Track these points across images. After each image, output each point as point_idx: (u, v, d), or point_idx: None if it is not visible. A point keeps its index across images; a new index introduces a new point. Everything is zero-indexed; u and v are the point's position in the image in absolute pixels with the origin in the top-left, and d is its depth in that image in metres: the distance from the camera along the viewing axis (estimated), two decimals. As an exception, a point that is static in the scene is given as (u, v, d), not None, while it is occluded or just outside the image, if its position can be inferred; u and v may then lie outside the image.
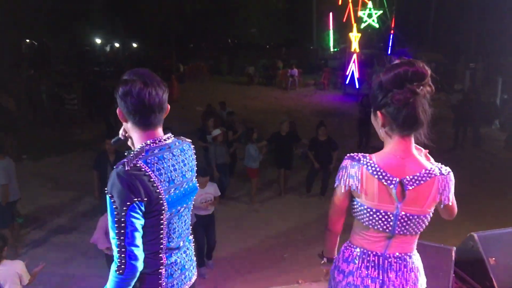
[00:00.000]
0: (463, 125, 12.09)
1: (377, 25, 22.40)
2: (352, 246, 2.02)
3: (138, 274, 1.75)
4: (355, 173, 1.85)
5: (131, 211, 1.68)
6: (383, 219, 1.85)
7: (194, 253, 2.09)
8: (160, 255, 1.83)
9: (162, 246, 1.82)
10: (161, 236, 1.80)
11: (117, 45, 35.54)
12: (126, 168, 1.68)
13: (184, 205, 1.93)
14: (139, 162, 1.71)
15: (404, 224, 1.86)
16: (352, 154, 1.91)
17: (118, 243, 1.70)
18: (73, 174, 9.49)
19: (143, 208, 1.71)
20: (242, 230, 7.27)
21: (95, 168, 6.65)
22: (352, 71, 20.10)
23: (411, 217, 1.84)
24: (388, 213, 1.84)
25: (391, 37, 22.32)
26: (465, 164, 10.31)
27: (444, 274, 3.26)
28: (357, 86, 19.11)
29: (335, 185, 1.95)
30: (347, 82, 20.43)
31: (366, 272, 1.94)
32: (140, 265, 1.74)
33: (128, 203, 1.67)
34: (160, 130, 1.87)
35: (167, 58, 26.96)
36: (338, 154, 8.20)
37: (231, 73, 27.08)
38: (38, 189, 8.54)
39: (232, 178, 9.25)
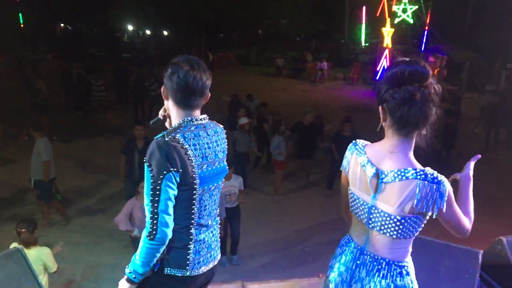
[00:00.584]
0: (495, 127, 11.74)
1: (411, 21, 21.85)
2: (347, 234, 2.06)
3: (167, 241, 1.86)
4: (348, 156, 1.94)
5: (167, 180, 1.81)
6: (361, 207, 1.86)
7: (219, 234, 2.20)
8: (191, 230, 1.95)
9: (193, 221, 1.94)
10: (193, 211, 1.93)
11: (148, 32, 35.91)
12: (166, 139, 1.83)
13: (215, 184, 2.03)
14: (178, 135, 1.86)
15: (376, 219, 1.80)
16: (357, 139, 1.97)
17: (151, 209, 1.83)
18: (100, 157, 9.68)
19: (178, 179, 1.83)
20: (264, 221, 7.28)
21: (123, 152, 6.75)
22: (383, 67, 19.74)
23: (382, 213, 1.77)
24: (365, 203, 1.84)
25: (425, 34, 21.74)
26: (496, 167, 10.01)
27: (470, 277, 3.19)
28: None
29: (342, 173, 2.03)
30: (377, 77, 20.08)
31: (345, 259, 1.96)
32: (170, 232, 1.86)
33: (165, 172, 1.80)
34: (197, 113, 2.01)
35: (196, 46, 27.11)
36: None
37: (259, 64, 27.00)
38: (67, 170, 8.74)
39: (257, 167, 9.29)
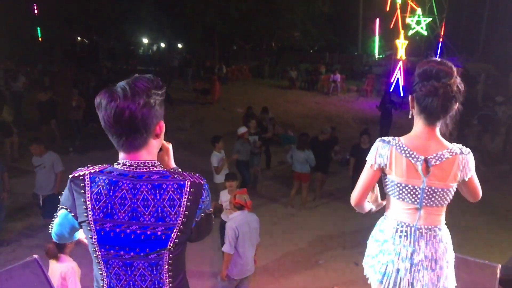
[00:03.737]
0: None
1: (425, 33, 21.81)
2: (387, 219, 2.31)
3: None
4: (385, 153, 2.14)
5: (60, 215, 1.66)
6: (411, 192, 2.13)
7: None
8: None
9: (102, 284, 1.62)
10: (101, 272, 1.61)
11: (163, 45, 36.37)
12: (71, 175, 1.60)
13: (133, 254, 1.55)
14: (87, 176, 1.56)
15: (430, 196, 2.12)
16: (382, 137, 2.20)
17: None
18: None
19: (73, 221, 1.61)
20: (277, 233, 7.25)
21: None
22: (397, 79, 19.65)
23: (436, 190, 2.11)
24: (416, 187, 2.12)
25: (439, 46, 21.67)
26: (513, 180, 9.85)
27: (488, 292, 3.12)
28: (401, 94, 18.68)
29: (368, 164, 2.21)
30: (391, 89, 20.00)
31: (399, 240, 2.21)
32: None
33: (59, 206, 1.65)
34: (143, 153, 1.57)
35: (210, 58, 27.33)
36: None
37: (273, 76, 27.11)
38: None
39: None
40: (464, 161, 2.09)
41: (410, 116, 2.17)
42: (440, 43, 21.76)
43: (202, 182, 1.62)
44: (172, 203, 1.54)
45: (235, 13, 24.29)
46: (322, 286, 4.71)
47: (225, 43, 30.25)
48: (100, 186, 1.52)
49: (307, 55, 31.22)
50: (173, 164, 1.78)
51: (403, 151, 2.11)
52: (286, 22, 26.76)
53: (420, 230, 2.18)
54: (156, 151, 1.64)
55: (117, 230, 1.53)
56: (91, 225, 1.53)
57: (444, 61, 2.06)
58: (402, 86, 18.99)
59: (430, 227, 2.19)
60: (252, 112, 12.07)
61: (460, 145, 2.13)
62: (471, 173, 2.12)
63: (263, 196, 8.72)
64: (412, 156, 2.09)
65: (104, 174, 1.55)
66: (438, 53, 21.62)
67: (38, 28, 29.62)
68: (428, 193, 2.12)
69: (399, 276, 2.20)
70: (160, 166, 1.60)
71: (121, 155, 1.58)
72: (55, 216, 1.70)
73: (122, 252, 1.55)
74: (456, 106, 2.08)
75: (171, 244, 1.56)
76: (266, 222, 7.44)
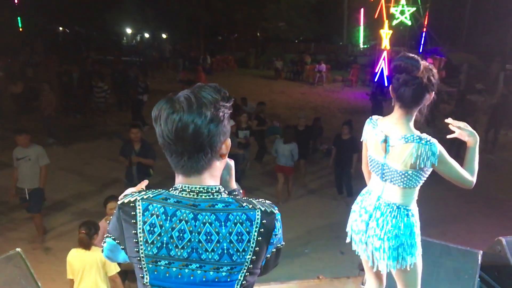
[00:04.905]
0: (494, 128, 11.75)
1: (409, 23, 21.87)
2: (367, 186, 2.64)
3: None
4: (366, 129, 2.49)
5: (108, 243, 1.45)
6: (376, 166, 2.45)
7: None
8: None
9: None
10: None
11: (147, 35, 35.96)
12: (120, 202, 1.36)
13: None
14: (139, 202, 1.31)
15: (389, 174, 2.37)
16: (371, 116, 2.52)
17: None
18: (98, 160, 9.69)
19: (121, 254, 1.40)
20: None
21: (122, 155, 6.77)
22: (382, 69, 19.78)
23: (393, 170, 2.34)
24: (379, 162, 2.41)
25: (423, 36, 21.81)
26: (494, 168, 10.03)
27: (469, 278, 3.19)
28: (386, 84, 18.82)
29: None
30: (376, 79, 20.13)
31: (365, 204, 2.53)
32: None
33: (106, 235, 1.44)
34: (206, 177, 1.33)
35: (195, 49, 27.14)
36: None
37: (258, 66, 27.04)
38: (65, 173, 8.75)
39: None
40: (420, 150, 2.21)
41: (393, 104, 2.38)
42: (423, 33, 21.90)
43: (275, 212, 1.39)
44: (240, 237, 1.28)
45: (220, 4, 24.11)
46: (308, 275, 4.75)
47: (210, 34, 30.04)
48: (155, 216, 1.28)
49: (292, 45, 31.21)
50: (234, 185, 1.55)
51: (374, 129, 2.42)
52: (271, 12, 26.66)
53: (381, 201, 2.44)
54: (219, 174, 1.40)
55: (174, 269, 1.28)
56: (142, 263, 1.29)
57: (412, 56, 2.26)
58: (387, 76, 19.11)
59: (389, 202, 2.41)
60: (236, 104, 12.00)
61: (425, 135, 2.27)
62: (431, 162, 2.22)
63: (249, 187, 8.72)
64: (379, 134, 2.37)
65: (159, 201, 1.30)
66: (422, 43, 21.78)
67: (19, 18, 28.99)
68: (387, 170, 2.37)
69: (358, 236, 2.56)
70: (225, 193, 1.36)
71: (179, 179, 1.34)
72: (104, 241, 1.48)
73: None
74: (430, 95, 2.30)
75: (238, 287, 1.31)
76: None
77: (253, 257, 1.30)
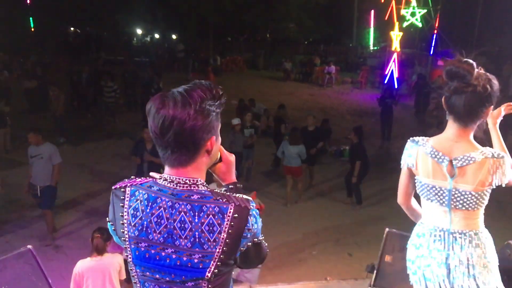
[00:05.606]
0: (504, 130, 11.64)
1: (420, 24, 21.72)
2: (422, 223, 2.26)
3: None
4: (412, 153, 2.16)
5: (109, 226, 1.52)
6: (438, 194, 2.11)
7: None
8: None
9: None
10: None
11: (157, 36, 36.12)
12: (114, 186, 1.48)
13: (168, 279, 1.39)
14: (128, 188, 1.43)
15: (458, 199, 2.08)
16: (413, 137, 2.19)
17: None
18: (108, 160, 9.77)
19: (114, 233, 1.50)
20: (271, 224, 7.27)
21: (132, 154, 6.86)
22: (392, 71, 19.66)
23: (464, 192, 2.06)
24: (442, 189, 2.09)
25: (434, 37, 21.64)
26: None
27: (479, 282, 3.17)
28: (396, 86, 18.72)
29: (401, 165, 2.23)
30: (385, 81, 20.03)
31: (434, 245, 2.16)
32: None
33: (107, 219, 1.52)
34: (190, 170, 1.40)
35: (204, 50, 27.21)
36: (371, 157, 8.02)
37: (267, 68, 27.04)
38: (75, 173, 8.83)
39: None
40: (496, 166, 2.02)
41: (446, 118, 2.15)
42: (434, 35, 21.73)
43: (250, 207, 1.41)
44: (211, 228, 1.35)
45: (229, 5, 24.16)
46: (316, 277, 4.75)
47: (220, 35, 30.07)
48: (139, 201, 1.39)
49: (301, 47, 31.15)
50: (233, 179, 1.62)
51: (429, 152, 2.10)
52: (281, 14, 26.62)
53: (454, 235, 2.13)
54: (205, 169, 1.47)
55: (152, 251, 1.38)
56: (127, 243, 1.41)
57: (466, 60, 2.03)
58: (397, 78, 19.01)
59: (464, 231, 2.12)
60: (245, 104, 12.06)
61: (493, 149, 2.09)
62: (508, 178, 2.05)
63: (257, 188, 8.74)
64: (438, 157, 2.08)
65: (144, 188, 1.40)
66: (433, 45, 21.61)
67: (31, 19, 29.31)
68: (456, 195, 2.08)
69: (438, 282, 2.15)
70: (204, 185, 1.41)
71: (166, 169, 1.43)
72: None
73: (157, 276, 1.40)
74: (487, 109, 2.06)
75: (209, 275, 1.37)
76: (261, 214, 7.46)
77: (224, 248, 1.36)
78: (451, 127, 2.11)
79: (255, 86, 19.84)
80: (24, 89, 12.32)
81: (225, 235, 1.35)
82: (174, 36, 33.84)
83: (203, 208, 1.35)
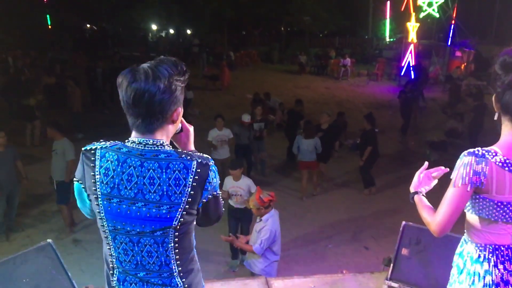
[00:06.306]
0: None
1: (437, 15, 21.37)
2: (480, 245, 1.92)
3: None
4: (482, 169, 1.77)
5: (76, 186, 1.67)
6: (507, 210, 1.81)
7: None
8: (111, 271, 1.67)
9: (112, 260, 1.65)
10: (108, 247, 1.64)
11: (172, 31, 36.28)
12: (84, 148, 1.61)
13: (139, 230, 1.56)
14: (98, 150, 1.58)
15: None
16: (471, 150, 1.82)
17: None
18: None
19: (84, 192, 1.64)
20: (286, 218, 7.27)
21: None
22: (408, 62, 19.43)
23: None
24: None
25: (452, 28, 21.26)
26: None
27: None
28: (412, 77, 18.48)
29: (457, 185, 1.82)
30: (402, 73, 19.79)
31: (503, 267, 1.87)
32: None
33: (74, 178, 1.67)
34: (157, 135, 1.58)
35: (219, 45, 27.23)
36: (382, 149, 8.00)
37: (282, 61, 26.96)
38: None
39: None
40: None
41: (495, 118, 1.88)
42: (452, 25, 21.36)
43: (210, 164, 1.60)
44: (177, 182, 1.53)
45: (243, -1, 24.15)
46: (332, 270, 4.75)
47: (234, 29, 30.06)
48: (109, 162, 1.54)
49: (316, 40, 31.00)
50: (192, 147, 1.78)
51: (505, 165, 1.76)
52: (295, 6, 26.48)
53: None
54: (171, 136, 1.66)
55: (124, 206, 1.55)
56: (99, 200, 1.56)
57: None
58: (412, 67, 18.71)
59: None
60: (260, 98, 12.04)
61: None
62: None
63: (272, 181, 8.75)
64: None
65: (114, 150, 1.56)
66: (450, 35, 21.25)
67: (48, 16, 29.70)
68: None
69: None
70: (169, 146, 1.60)
71: (133, 134, 1.59)
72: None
73: (128, 228, 1.56)
74: None
75: (176, 223, 1.56)
76: (275, 207, 7.47)
77: (188, 199, 1.55)
78: (509, 130, 1.81)
79: (270, 80, 19.79)
80: (43, 85, 12.54)
81: (189, 188, 1.55)
82: (188, 31, 33.94)
83: (170, 165, 1.53)
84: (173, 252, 1.62)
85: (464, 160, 1.81)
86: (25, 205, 7.26)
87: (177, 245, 1.62)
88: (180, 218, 1.56)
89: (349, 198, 8.21)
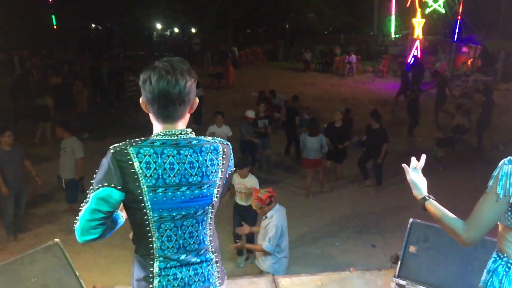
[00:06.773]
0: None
1: (443, 10, 21.23)
2: (506, 257, 1.87)
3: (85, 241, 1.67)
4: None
5: (101, 193, 1.62)
6: None
7: (216, 272, 1.89)
8: (152, 262, 1.74)
9: (153, 251, 1.74)
10: (150, 239, 1.72)
11: (176, 30, 36.28)
12: (112, 151, 1.64)
13: (184, 213, 1.73)
14: (130, 149, 1.64)
15: None
16: (509, 158, 1.75)
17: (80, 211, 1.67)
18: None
19: (117, 197, 1.64)
20: (293, 216, 7.25)
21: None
22: (414, 58, 19.30)
23: None
24: None
25: (458, 23, 21.10)
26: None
27: None
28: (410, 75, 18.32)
29: (492, 196, 1.75)
30: (408, 70, 19.67)
31: None
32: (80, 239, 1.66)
33: (100, 185, 1.63)
34: (180, 125, 1.75)
35: (223, 43, 27.20)
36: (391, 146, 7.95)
37: (287, 59, 26.89)
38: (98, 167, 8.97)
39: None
40: None
41: None
42: (458, 21, 21.20)
43: (229, 144, 1.87)
44: (212, 162, 1.76)
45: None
46: (339, 268, 4.73)
47: (239, 27, 30.02)
48: (147, 156, 1.64)
49: (321, 37, 30.84)
50: None
51: None
52: (300, 4, 26.40)
53: None
54: (187, 123, 1.81)
55: (169, 193, 1.68)
56: (144, 193, 1.64)
57: None
58: (410, 63, 18.52)
59: None
60: (265, 96, 12.04)
61: None
62: None
63: (279, 179, 8.75)
64: None
65: (147, 145, 1.67)
66: (457, 31, 21.10)
67: (53, 16, 29.82)
68: None
69: None
70: (193, 133, 1.77)
71: (158, 127, 1.73)
72: (84, 203, 1.66)
73: (174, 213, 1.71)
74: None
75: (214, 199, 1.79)
76: (282, 204, 7.45)
77: (220, 176, 1.80)
78: None
79: (275, 78, 19.76)
80: (51, 85, 12.58)
81: (221, 166, 1.80)
82: (193, 30, 33.94)
83: (202, 148, 1.74)
84: (208, 229, 1.83)
85: (504, 170, 1.73)
86: (33, 205, 7.29)
87: (211, 221, 1.85)
88: (216, 194, 1.80)
89: (355, 195, 8.19)
